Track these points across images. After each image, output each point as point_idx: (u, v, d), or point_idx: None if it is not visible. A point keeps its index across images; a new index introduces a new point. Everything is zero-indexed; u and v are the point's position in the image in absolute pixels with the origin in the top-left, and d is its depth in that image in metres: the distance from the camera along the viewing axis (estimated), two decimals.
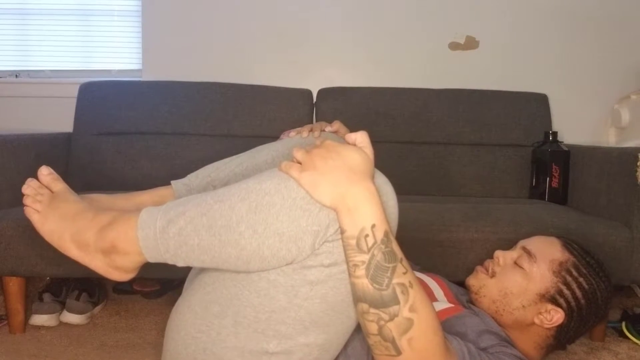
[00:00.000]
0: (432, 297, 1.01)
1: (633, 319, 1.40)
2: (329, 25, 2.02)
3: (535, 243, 0.99)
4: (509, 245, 1.29)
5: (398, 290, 0.67)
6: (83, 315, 1.40)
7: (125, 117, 1.79)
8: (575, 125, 2.02)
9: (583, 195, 1.57)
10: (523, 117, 1.85)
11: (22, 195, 0.80)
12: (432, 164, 1.82)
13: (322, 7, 2.01)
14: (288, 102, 1.84)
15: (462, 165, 1.82)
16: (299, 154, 0.72)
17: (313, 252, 0.69)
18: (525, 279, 0.94)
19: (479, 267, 1.04)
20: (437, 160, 1.83)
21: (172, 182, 1.01)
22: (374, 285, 0.67)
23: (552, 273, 0.93)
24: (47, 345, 1.27)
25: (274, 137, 1.74)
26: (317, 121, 1.86)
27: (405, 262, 0.69)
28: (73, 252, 0.77)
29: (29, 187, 0.81)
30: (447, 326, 0.90)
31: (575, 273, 0.93)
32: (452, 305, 0.98)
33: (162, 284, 1.67)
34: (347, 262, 0.69)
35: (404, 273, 0.68)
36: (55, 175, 0.84)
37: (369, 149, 0.73)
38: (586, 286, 0.92)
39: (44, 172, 0.84)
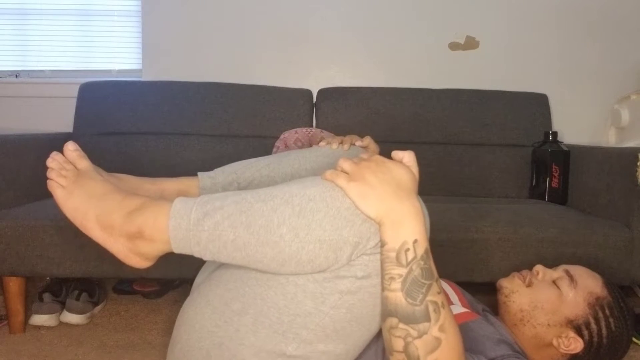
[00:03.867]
0: (447, 300, 1.01)
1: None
2: (329, 25, 2.02)
3: (579, 271, 0.99)
4: (509, 245, 1.30)
5: (431, 308, 0.67)
6: (83, 315, 1.40)
7: (125, 117, 1.79)
8: (575, 125, 2.02)
9: (583, 195, 1.57)
10: (523, 117, 1.85)
11: (47, 168, 0.78)
12: (432, 164, 1.82)
13: (322, 7, 2.01)
14: (288, 102, 1.84)
15: (462, 165, 1.82)
16: (346, 164, 0.73)
17: (348, 262, 0.70)
18: (559, 299, 0.94)
19: (515, 273, 1.04)
20: (437, 160, 1.83)
21: (199, 173, 1.00)
22: (408, 299, 0.67)
23: (586, 304, 0.93)
24: (47, 345, 1.27)
25: (274, 137, 1.75)
26: (317, 121, 1.86)
27: (440, 282, 0.70)
28: (96, 232, 0.74)
29: (54, 161, 0.78)
30: (465, 330, 0.90)
31: (608, 312, 0.93)
32: (468, 310, 0.98)
33: (162, 284, 1.67)
34: (383, 275, 0.69)
35: (438, 292, 0.69)
36: (81, 152, 0.81)
37: (415, 169, 0.74)
38: (614, 328, 0.92)
39: (70, 147, 0.80)
